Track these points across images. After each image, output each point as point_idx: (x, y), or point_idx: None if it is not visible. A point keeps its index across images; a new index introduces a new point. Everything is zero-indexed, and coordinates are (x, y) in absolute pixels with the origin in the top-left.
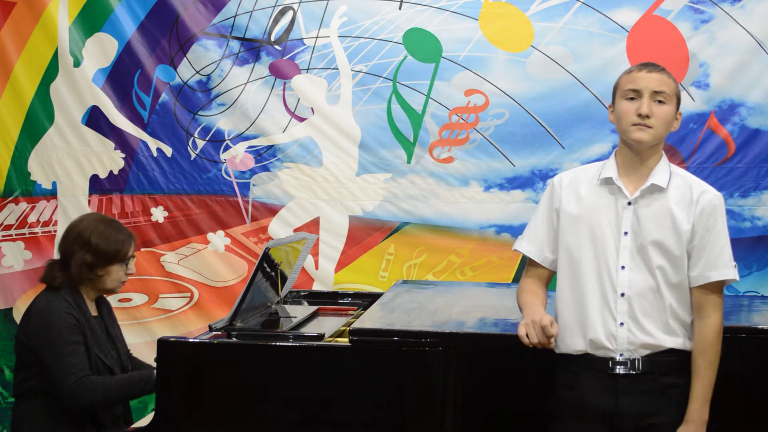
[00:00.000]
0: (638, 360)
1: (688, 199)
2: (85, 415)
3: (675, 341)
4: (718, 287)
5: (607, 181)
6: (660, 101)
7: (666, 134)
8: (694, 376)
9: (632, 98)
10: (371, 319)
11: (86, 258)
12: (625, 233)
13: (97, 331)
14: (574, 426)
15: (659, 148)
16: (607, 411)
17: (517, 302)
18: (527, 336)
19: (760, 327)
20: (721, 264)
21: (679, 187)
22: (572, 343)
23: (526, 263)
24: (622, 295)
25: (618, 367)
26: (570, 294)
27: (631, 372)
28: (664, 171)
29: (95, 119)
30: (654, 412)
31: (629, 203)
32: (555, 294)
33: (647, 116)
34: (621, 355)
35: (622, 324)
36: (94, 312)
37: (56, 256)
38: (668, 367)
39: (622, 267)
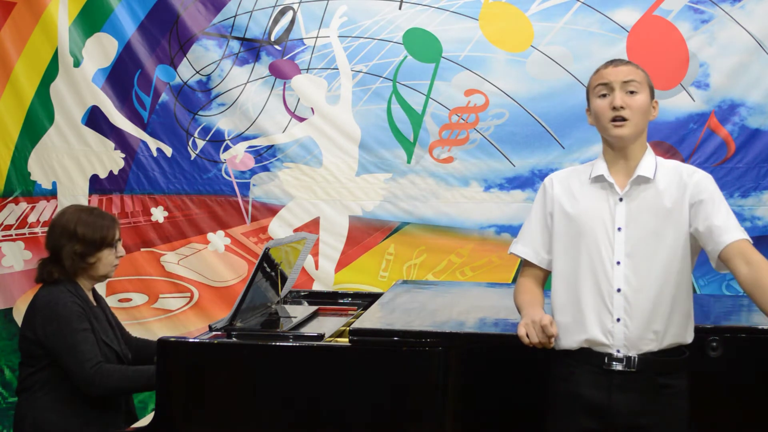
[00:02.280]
0: (634, 358)
1: (677, 182)
2: (90, 408)
3: (673, 335)
4: (746, 242)
5: (599, 179)
6: (632, 91)
7: (645, 124)
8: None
9: (604, 94)
10: (371, 319)
11: (76, 248)
12: (619, 229)
13: (101, 319)
14: (566, 419)
15: (642, 140)
16: (599, 406)
17: (515, 302)
18: (527, 336)
19: (760, 327)
20: (730, 227)
21: (666, 175)
22: (570, 340)
23: (522, 263)
24: (618, 290)
25: (614, 363)
26: (566, 292)
27: (627, 369)
28: (650, 162)
29: (95, 119)
30: (645, 412)
31: (621, 199)
32: (551, 293)
33: (622, 107)
34: (618, 351)
35: (618, 320)
36: (93, 302)
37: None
38: (664, 367)
39: (618, 263)
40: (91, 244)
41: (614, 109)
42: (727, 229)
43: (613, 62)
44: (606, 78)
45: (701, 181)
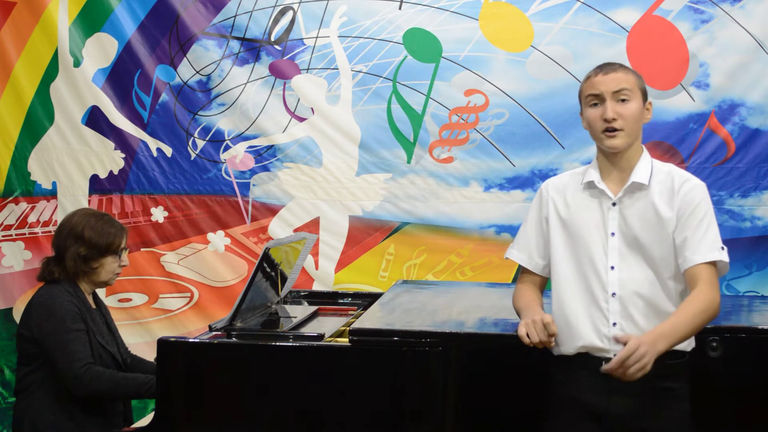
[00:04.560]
0: None
1: (669, 189)
2: (87, 409)
3: None
4: (708, 268)
5: (590, 185)
6: (623, 99)
7: (639, 130)
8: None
9: (595, 104)
10: (371, 319)
11: (80, 251)
12: (612, 234)
13: (98, 321)
14: (565, 423)
15: (637, 145)
16: (598, 410)
17: (514, 307)
18: (528, 335)
19: (760, 327)
20: (704, 248)
21: (661, 182)
22: (567, 345)
23: (520, 269)
24: (613, 295)
25: None
26: (562, 297)
27: None
28: (645, 168)
29: (95, 119)
30: (645, 415)
31: (614, 204)
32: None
33: (614, 119)
34: (615, 355)
35: (614, 324)
36: (93, 305)
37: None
38: (663, 371)
39: (612, 267)
40: (95, 248)
41: (606, 120)
42: (697, 248)
43: (603, 69)
44: (597, 88)
45: (690, 192)
